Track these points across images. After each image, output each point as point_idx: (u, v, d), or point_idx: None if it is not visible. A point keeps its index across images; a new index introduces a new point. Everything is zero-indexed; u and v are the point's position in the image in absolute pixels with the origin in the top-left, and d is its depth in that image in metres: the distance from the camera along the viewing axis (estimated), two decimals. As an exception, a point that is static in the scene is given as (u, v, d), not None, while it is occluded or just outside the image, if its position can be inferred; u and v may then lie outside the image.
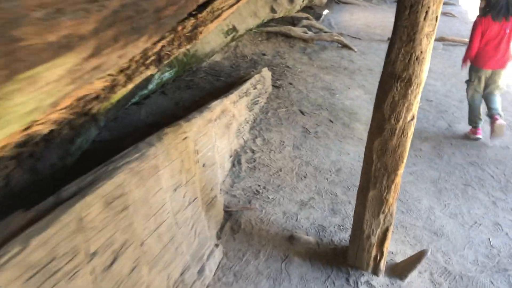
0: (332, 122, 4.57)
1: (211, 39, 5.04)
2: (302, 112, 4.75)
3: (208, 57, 5.18)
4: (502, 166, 3.83)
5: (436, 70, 6.39)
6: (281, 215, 2.90)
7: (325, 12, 9.75)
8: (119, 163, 1.91)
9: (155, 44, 2.53)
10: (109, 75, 2.21)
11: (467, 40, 4.55)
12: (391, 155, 2.10)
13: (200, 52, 4.75)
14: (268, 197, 3.06)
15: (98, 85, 2.06)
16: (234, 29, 5.52)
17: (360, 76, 6.00)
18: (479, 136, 4.37)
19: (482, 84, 4.25)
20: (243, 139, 3.78)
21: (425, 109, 5.11)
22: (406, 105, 2.00)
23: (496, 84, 4.18)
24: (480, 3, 4.21)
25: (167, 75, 4.13)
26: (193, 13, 2.59)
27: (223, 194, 2.99)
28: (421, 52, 1.92)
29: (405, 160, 2.18)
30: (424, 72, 1.98)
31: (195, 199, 2.37)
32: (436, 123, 4.75)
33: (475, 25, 4.16)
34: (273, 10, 6.46)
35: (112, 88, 2.39)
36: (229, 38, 5.46)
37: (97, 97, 2.26)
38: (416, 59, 1.95)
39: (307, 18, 8.09)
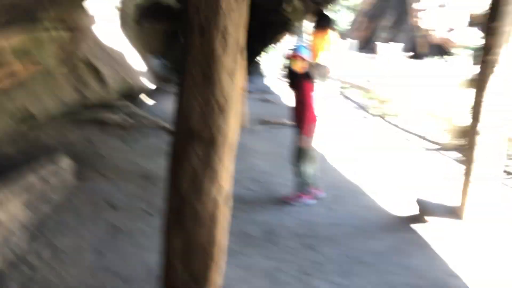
0: (151, 215, 3.82)
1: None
2: (112, 207, 3.92)
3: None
4: (338, 246, 3.51)
5: (262, 151, 6.26)
6: None
7: (151, 101, 9.31)
8: None
9: None
10: None
11: (285, 121, 4.58)
12: (199, 256, 1.44)
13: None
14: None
15: None
16: (27, 112, 4.55)
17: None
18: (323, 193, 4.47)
19: None
20: (15, 251, 2.75)
21: (255, 191, 4.75)
22: (212, 176, 1.41)
23: None
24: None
25: None
26: None
27: None
28: (225, 97, 1.38)
29: (221, 264, 1.54)
30: (232, 128, 1.43)
31: None
32: (266, 205, 4.37)
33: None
34: (80, 93, 5.69)
35: None
36: (21, 124, 4.46)
37: None
38: (219, 108, 1.40)
39: (128, 106, 7.47)
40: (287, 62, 4.26)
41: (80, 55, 5.99)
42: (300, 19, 12.05)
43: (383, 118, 8.53)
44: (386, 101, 8.54)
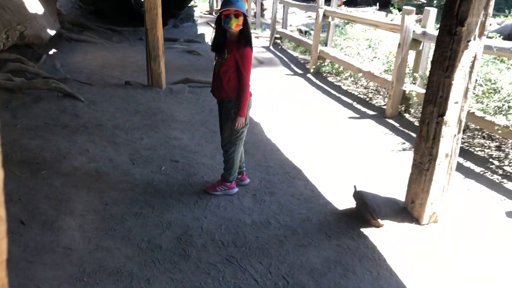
0: (23, 224, 2.90)
1: None
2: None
3: None
4: (267, 258, 2.82)
5: (182, 119, 5.36)
6: None
7: (52, 52, 7.91)
8: None
9: None
10: None
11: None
12: None
13: None
14: None
15: None
16: None
17: (85, 136, 4.45)
18: (247, 179, 3.85)
19: None
20: None
21: (169, 175, 3.91)
22: None
23: None
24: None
25: None
26: None
27: None
28: None
29: None
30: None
31: None
32: (182, 196, 3.56)
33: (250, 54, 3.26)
34: None
35: None
36: None
37: None
38: None
39: (18, 60, 6.14)
40: (222, 19, 3.21)
41: None
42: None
43: (322, 75, 7.85)
44: (325, 56, 7.81)
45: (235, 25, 3.13)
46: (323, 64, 7.87)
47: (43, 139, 4.17)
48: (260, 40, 11.53)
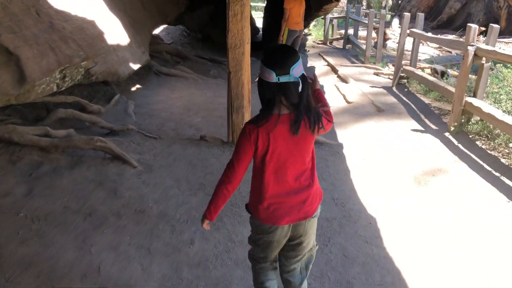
0: None
1: None
2: None
3: None
4: None
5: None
6: None
7: (135, 88, 6.93)
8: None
9: None
10: None
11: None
12: None
13: None
14: None
15: None
16: None
17: (109, 235, 3.03)
18: None
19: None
20: None
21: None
22: None
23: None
24: None
25: None
26: None
27: None
28: None
29: None
30: None
31: None
32: None
33: None
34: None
35: None
36: None
37: None
38: None
39: (78, 104, 5.10)
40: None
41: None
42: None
43: (467, 137, 5.69)
44: (473, 111, 5.66)
45: None
46: (469, 122, 5.70)
47: (41, 243, 2.81)
48: (380, 78, 9.57)
